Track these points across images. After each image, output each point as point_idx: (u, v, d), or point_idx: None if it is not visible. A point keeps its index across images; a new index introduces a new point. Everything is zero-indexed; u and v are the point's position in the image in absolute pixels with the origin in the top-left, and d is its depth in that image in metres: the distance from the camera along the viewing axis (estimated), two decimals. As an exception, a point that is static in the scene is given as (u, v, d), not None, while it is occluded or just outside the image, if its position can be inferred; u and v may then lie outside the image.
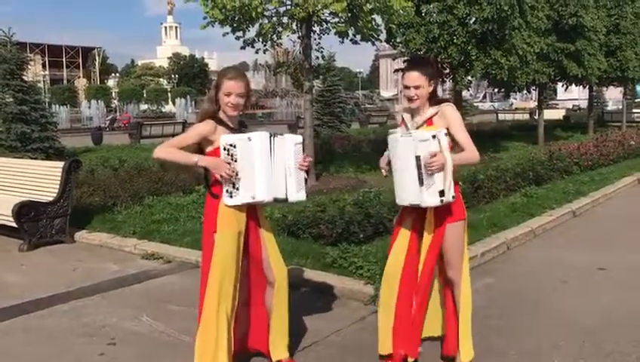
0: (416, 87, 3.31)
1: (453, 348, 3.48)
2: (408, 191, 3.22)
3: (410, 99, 3.35)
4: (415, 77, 3.31)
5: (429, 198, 3.16)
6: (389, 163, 3.42)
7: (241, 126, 3.38)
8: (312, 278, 5.00)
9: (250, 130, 3.32)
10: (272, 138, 3.21)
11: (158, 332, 4.16)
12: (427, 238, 3.41)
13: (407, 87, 3.34)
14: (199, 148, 3.27)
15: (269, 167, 3.18)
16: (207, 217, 3.31)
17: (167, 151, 3.23)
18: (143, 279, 5.42)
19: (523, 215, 7.39)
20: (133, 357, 3.78)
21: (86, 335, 4.12)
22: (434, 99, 3.40)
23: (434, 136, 3.15)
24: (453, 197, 3.21)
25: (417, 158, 3.14)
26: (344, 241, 5.71)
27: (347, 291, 4.78)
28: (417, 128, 3.34)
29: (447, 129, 3.27)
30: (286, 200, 3.28)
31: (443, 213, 3.34)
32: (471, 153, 3.28)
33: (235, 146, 3.14)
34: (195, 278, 5.08)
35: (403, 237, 3.49)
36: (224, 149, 3.16)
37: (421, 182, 3.14)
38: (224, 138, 3.17)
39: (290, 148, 3.27)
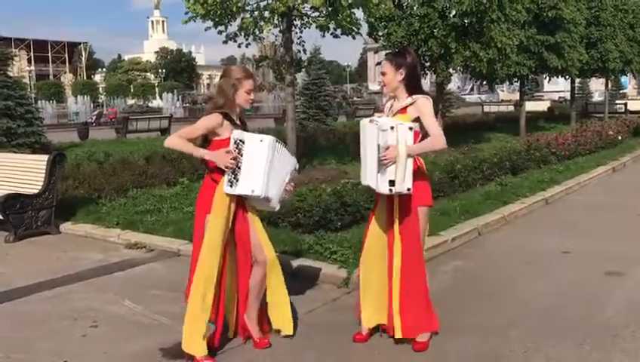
0: (383, 74, 3.64)
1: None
2: (369, 175, 3.48)
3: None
4: (383, 64, 3.65)
5: (382, 186, 3.43)
6: None
7: (241, 121, 3.69)
8: (288, 263, 5.20)
9: (247, 127, 3.72)
10: (277, 143, 3.56)
11: (139, 314, 4.37)
12: (396, 223, 3.64)
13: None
14: (204, 137, 3.57)
15: (272, 169, 3.51)
16: (203, 197, 3.60)
17: (176, 142, 3.55)
18: (126, 267, 5.61)
19: (496, 202, 7.65)
20: (114, 337, 3.98)
21: (69, 318, 4.32)
22: (414, 91, 3.62)
23: (392, 128, 3.37)
24: (408, 189, 3.43)
25: (379, 146, 3.38)
26: (321, 229, 5.93)
27: (321, 275, 5.00)
28: (394, 115, 3.58)
29: (419, 118, 3.52)
30: (269, 200, 3.58)
31: (411, 197, 3.56)
32: (436, 139, 3.50)
33: (244, 142, 3.48)
34: (177, 265, 5.35)
35: (378, 221, 3.73)
36: (234, 142, 3.48)
37: (378, 169, 3.39)
38: (236, 133, 3.51)
39: (291, 167, 3.68)
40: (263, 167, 3.47)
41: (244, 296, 3.74)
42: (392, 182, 3.38)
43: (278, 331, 3.83)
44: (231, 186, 3.49)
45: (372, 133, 3.45)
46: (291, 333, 3.82)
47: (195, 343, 3.45)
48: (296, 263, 5.21)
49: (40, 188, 7.00)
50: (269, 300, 3.78)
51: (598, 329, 3.93)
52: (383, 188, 3.43)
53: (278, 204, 3.67)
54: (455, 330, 3.93)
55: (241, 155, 3.47)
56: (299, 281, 4.90)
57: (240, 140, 3.48)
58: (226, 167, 3.46)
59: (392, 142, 3.36)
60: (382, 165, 3.38)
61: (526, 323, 4.06)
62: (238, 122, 3.64)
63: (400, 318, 3.66)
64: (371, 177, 3.46)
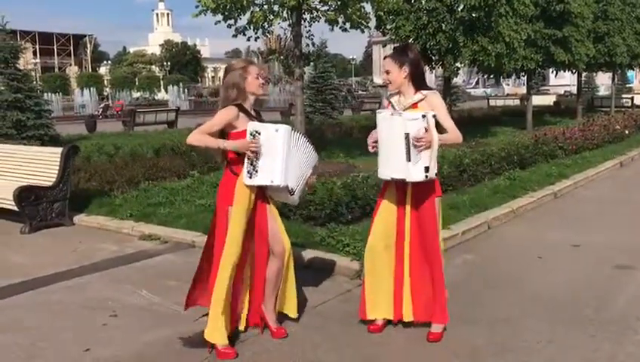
0: (387, 72, 3.71)
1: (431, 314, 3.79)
2: (394, 167, 3.53)
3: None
4: (385, 62, 3.72)
5: (415, 173, 3.48)
6: (376, 140, 3.72)
7: (256, 112, 3.75)
8: (301, 255, 5.28)
9: (262, 119, 3.77)
10: (293, 132, 3.61)
11: (157, 304, 4.46)
12: (410, 213, 3.72)
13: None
14: (222, 131, 3.63)
15: (290, 159, 3.56)
16: (224, 190, 3.68)
17: (198, 138, 3.62)
18: (141, 258, 5.70)
19: (505, 196, 7.70)
20: (134, 326, 4.07)
21: (89, 308, 4.41)
22: (420, 86, 3.70)
23: (424, 116, 3.47)
24: (436, 174, 3.56)
25: (407, 136, 3.44)
26: (333, 222, 6.01)
27: (334, 267, 5.08)
28: (405, 110, 3.65)
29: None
30: (292, 193, 3.65)
31: (427, 188, 3.64)
32: (454, 134, 3.66)
33: (260, 133, 3.53)
34: (192, 257, 5.41)
35: (386, 212, 3.80)
36: (250, 134, 3.54)
37: (408, 158, 3.45)
38: (251, 124, 3.57)
39: (313, 161, 3.74)
40: (280, 156, 3.51)
41: (261, 286, 3.82)
42: (427, 168, 3.46)
43: (283, 314, 3.91)
44: (250, 177, 3.55)
45: (397, 124, 3.49)
46: (295, 316, 3.91)
47: (216, 332, 3.53)
48: (309, 255, 5.29)
49: (54, 180, 7.08)
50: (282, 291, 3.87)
51: (609, 321, 4.00)
52: (417, 176, 3.48)
53: (299, 197, 3.72)
54: (467, 321, 4.00)
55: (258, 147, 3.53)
56: (312, 273, 4.98)
57: (256, 131, 3.54)
58: (249, 154, 3.50)
59: (425, 127, 3.44)
60: (416, 152, 3.43)
61: (538, 314, 4.13)
62: (253, 113, 3.70)
63: (411, 302, 3.78)
64: (398, 168, 3.50)
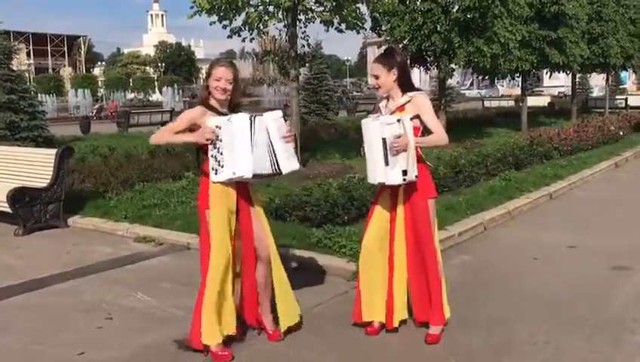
0: (375, 77, 3.69)
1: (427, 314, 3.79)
2: (376, 171, 3.55)
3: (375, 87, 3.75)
4: (373, 67, 3.71)
5: (393, 177, 3.49)
6: None
7: (232, 111, 3.61)
8: (297, 256, 5.27)
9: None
10: (252, 119, 3.45)
11: (152, 307, 4.43)
12: (404, 215, 3.71)
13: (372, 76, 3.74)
14: (191, 130, 3.54)
15: (249, 145, 3.41)
16: (201, 196, 3.61)
17: (160, 135, 3.62)
18: (136, 260, 5.67)
19: (501, 197, 7.70)
20: (129, 329, 4.04)
21: (84, 310, 4.38)
22: (407, 88, 3.69)
23: (398, 120, 3.50)
24: (416, 176, 3.54)
25: (383, 140, 3.46)
26: (329, 223, 5.99)
27: (331, 268, 5.06)
28: (391, 114, 3.65)
29: (419, 115, 3.60)
30: (279, 173, 3.53)
31: (420, 190, 3.64)
32: (439, 136, 3.65)
33: (220, 127, 3.45)
34: (187, 259, 5.41)
35: (380, 215, 3.80)
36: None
37: (386, 162, 3.47)
38: (211, 120, 3.49)
39: (271, 124, 3.51)
40: (238, 146, 3.40)
41: (254, 290, 3.76)
42: (404, 172, 3.47)
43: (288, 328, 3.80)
44: (216, 174, 3.48)
45: (375, 129, 3.52)
46: (298, 322, 3.83)
47: (210, 334, 3.51)
48: (305, 256, 5.27)
49: (48, 181, 7.04)
50: (276, 296, 3.78)
51: (606, 322, 4.00)
52: (395, 179, 3.49)
53: (290, 162, 3.53)
54: (463, 323, 3.99)
55: (220, 141, 3.44)
56: (308, 274, 4.96)
57: (217, 126, 3.46)
58: (211, 149, 3.43)
59: (400, 132, 3.46)
60: (392, 156, 3.44)
61: (534, 316, 4.12)
62: (224, 111, 3.58)
63: (413, 302, 3.78)
64: (380, 172, 3.52)
